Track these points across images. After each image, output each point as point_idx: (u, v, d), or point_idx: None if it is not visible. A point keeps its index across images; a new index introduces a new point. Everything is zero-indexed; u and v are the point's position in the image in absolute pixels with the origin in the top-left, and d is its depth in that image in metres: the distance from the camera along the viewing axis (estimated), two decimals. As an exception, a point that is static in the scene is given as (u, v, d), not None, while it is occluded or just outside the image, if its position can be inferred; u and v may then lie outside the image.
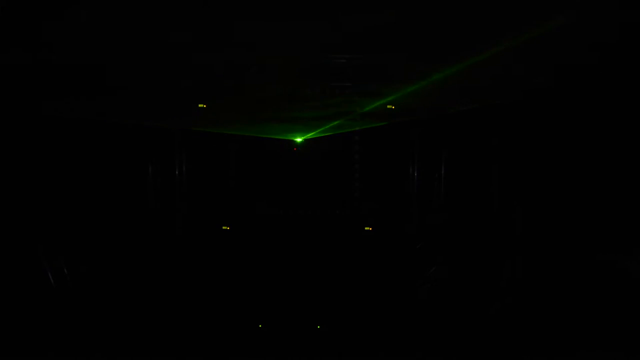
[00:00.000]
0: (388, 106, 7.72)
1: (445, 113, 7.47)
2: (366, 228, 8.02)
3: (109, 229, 7.38)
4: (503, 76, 5.41)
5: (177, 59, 4.85)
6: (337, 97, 6.57)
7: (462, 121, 7.44)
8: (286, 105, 6.85)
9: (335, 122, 7.73)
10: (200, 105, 7.78)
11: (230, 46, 4.50)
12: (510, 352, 5.77)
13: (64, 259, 6.83)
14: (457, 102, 6.69)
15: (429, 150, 7.85)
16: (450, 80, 5.45)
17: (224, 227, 8.04)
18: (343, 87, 6.87)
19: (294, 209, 8.20)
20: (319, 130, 7.98)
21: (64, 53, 4.12)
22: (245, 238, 8.02)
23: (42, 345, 5.82)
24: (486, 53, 4.61)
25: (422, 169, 7.90)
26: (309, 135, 8.09)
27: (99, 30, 3.77)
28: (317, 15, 3.60)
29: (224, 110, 7.12)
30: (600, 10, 3.59)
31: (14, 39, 3.71)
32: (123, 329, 6.43)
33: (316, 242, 7.99)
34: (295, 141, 8.16)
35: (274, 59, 4.97)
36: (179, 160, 8.01)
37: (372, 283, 7.53)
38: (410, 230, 7.89)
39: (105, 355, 5.95)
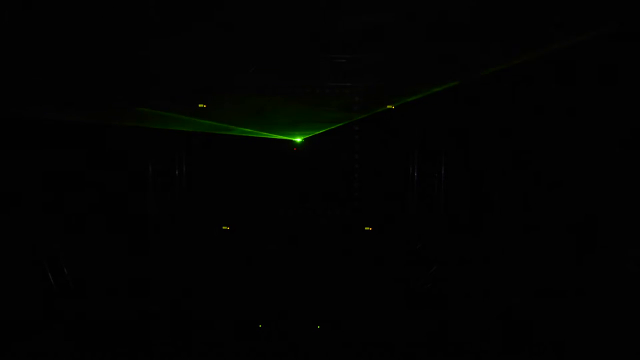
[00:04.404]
0: (388, 106, 7.73)
1: (446, 112, 7.47)
2: (366, 228, 8.02)
3: (109, 228, 7.38)
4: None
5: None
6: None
7: (462, 121, 7.45)
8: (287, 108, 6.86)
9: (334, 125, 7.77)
10: (200, 105, 7.79)
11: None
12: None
13: (64, 259, 6.83)
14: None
15: (429, 150, 7.85)
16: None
17: (224, 227, 8.04)
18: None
19: (294, 208, 8.21)
20: (317, 132, 8.00)
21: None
22: (245, 238, 8.02)
23: (42, 345, 5.82)
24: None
25: (422, 169, 7.90)
26: (309, 135, 8.10)
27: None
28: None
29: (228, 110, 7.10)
30: None
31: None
32: (123, 329, 6.43)
33: (316, 241, 7.99)
34: (295, 141, 8.17)
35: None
36: (179, 160, 8.01)
37: (372, 283, 7.53)
38: (410, 230, 7.88)
39: (105, 354, 5.95)
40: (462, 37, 4.34)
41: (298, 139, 8.20)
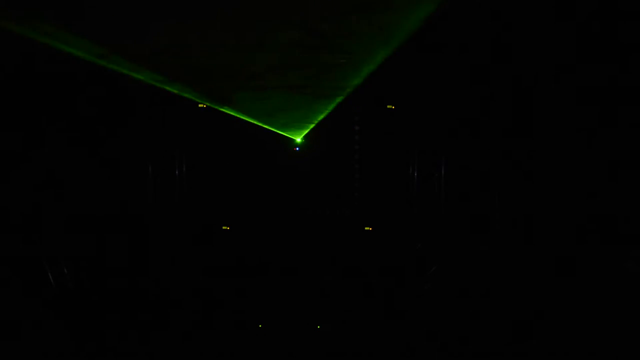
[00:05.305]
0: (388, 106, 7.74)
1: (446, 112, 7.47)
2: (366, 228, 8.03)
3: (109, 228, 7.37)
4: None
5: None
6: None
7: (462, 121, 7.45)
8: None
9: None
10: (200, 105, 7.80)
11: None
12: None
13: (64, 259, 6.83)
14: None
15: (429, 150, 7.85)
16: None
17: (224, 227, 8.04)
18: None
19: (294, 208, 8.21)
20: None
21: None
22: (245, 238, 8.01)
23: (42, 345, 5.81)
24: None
25: (422, 169, 7.90)
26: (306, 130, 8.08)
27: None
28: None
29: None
30: None
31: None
32: (123, 329, 6.43)
33: (316, 241, 7.99)
34: (295, 141, 8.18)
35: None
36: (179, 160, 8.01)
37: (372, 282, 7.53)
38: (410, 230, 7.88)
39: (105, 354, 5.95)
40: None
41: (298, 139, 8.21)
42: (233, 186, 8.15)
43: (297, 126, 8.11)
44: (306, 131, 8.15)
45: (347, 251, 7.93)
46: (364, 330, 6.64)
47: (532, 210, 6.73)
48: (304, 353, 6.42)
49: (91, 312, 6.63)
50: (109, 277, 7.09)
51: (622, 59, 5.33)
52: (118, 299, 6.90)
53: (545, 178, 6.59)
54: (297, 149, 8.22)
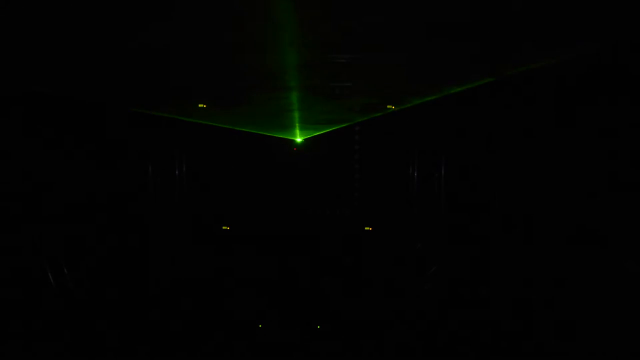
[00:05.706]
0: (388, 106, 7.74)
1: (446, 113, 7.46)
2: (366, 228, 8.03)
3: (109, 228, 7.37)
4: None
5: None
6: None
7: (461, 122, 7.45)
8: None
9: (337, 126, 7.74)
10: (200, 105, 7.79)
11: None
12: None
13: (64, 259, 6.82)
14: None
15: (429, 150, 7.85)
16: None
17: (224, 227, 8.04)
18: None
19: (294, 208, 8.21)
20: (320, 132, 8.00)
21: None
22: (245, 238, 8.02)
23: (43, 345, 5.81)
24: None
25: (422, 169, 7.90)
26: (312, 135, 8.11)
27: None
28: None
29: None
30: None
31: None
32: (123, 329, 6.43)
33: (316, 241, 7.99)
34: (295, 141, 8.18)
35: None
36: (179, 160, 8.01)
37: (372, 282, 7.54)
38: (410, 230, 7.89)
39: (105, 354, 5.95)
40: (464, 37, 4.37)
41: (298, 139, 8.21)
42: (233, 186, 8.15)
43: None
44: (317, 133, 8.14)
45: (347, 251, 7.93)
46: (363, 330, 6.64)
47: (532, 210, 6.72)
48: (304, 353, 6.42)
49: (91, 312, 6.62)
50: (109, 277, 7.09)
51: (622, 57, 5.33)
52: (118, 299, 6.90)
53: (545, 178, 6.59)
54: (297, 148, 8.23)
